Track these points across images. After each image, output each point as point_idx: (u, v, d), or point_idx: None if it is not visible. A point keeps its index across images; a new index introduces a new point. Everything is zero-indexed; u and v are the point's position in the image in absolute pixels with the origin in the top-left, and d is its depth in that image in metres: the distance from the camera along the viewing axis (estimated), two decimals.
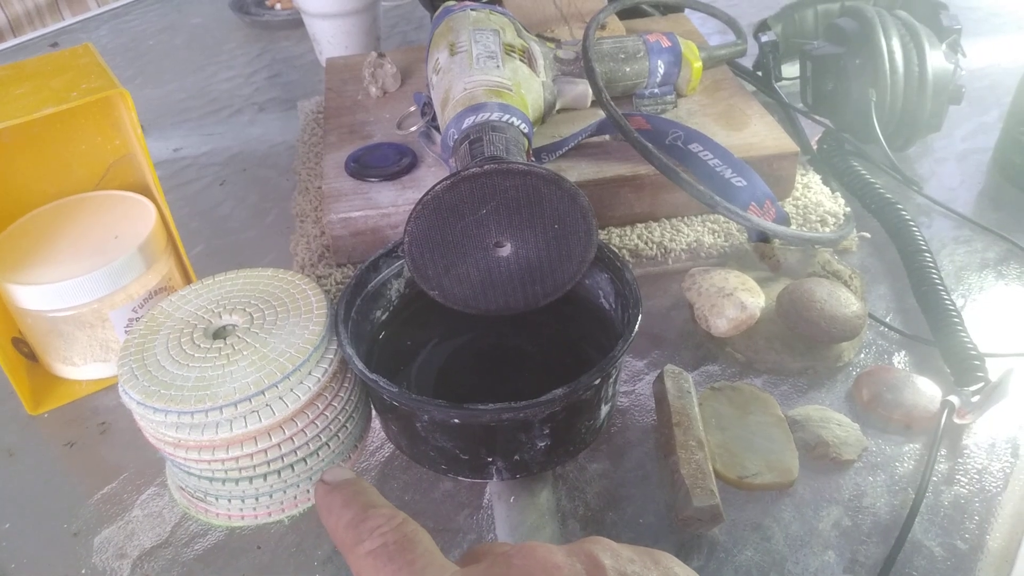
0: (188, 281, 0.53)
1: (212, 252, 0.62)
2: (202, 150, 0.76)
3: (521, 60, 0.56)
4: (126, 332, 0.49)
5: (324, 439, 0.41)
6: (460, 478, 0.43)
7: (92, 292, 0.47)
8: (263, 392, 0.38)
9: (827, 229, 0.57)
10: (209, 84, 0.88)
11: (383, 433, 0.45)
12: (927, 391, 0.45)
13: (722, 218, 0.58)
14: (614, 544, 0.25)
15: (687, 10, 0.77)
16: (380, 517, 0.24)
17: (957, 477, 0.42)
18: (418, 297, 0.47)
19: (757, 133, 0.60)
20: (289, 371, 0.39)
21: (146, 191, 0.53)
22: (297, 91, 0.84)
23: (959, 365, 0.46)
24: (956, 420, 0.44)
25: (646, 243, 0.57)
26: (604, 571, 0.23)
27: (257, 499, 0.41)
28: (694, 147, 0.56)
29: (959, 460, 0.43)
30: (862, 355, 0.49)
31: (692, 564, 0.39)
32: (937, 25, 0.64)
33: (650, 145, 0.52)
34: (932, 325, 0.49)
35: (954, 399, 0.44)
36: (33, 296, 0.47)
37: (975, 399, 0.44)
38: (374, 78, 0.68)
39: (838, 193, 0.60)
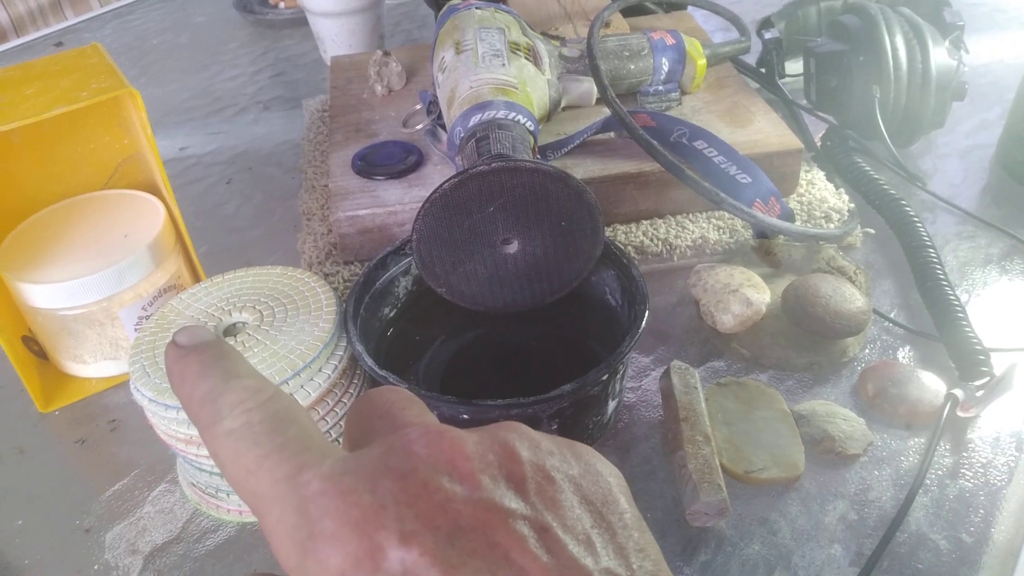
0: (197, 279, 0.54)
1: (218, 251, 0.62)
2: (207, 149, 0.76)
3: (526, 58, 0.56)
4: (136, 330, 0.49)
5: (334, 435, 0.41)
6: None
7: (101, 290, 0.47)
8: None
9: (831, 225, 0.58)
10: (213, 83, 0.88)
11: None
12: (932, 386, 0.46)
13: (727, 215, 0.58)
14: (532, 432, 0.21)
15: (690, 7, 0.78)
16: (244, 390, 0.20)
17: (962, 471, 0.42)
18: (426, 294, 0.47)
19: (761, 130, 0.60)
20: (299, 368, 0.39)
21: (154, 190, 0.53)
22: (301, 90, 0.85)
23: (964, 360, 0.46)
24: (959, 413, 0.44)
25: (651, 240, 0.57)
26: (520, 465, 0.19)
27: None
28: (699, 144, 0.57)
29: (964, 454, 0.43)
30: (867, 350, 0.49)
31: (699, 557, 0.39)
32: (940, 22, 0.64)
33: (655, 142, 0.53)
34: (936, 320, 0.49)
35: (958, 392, 0.44)
36: (43, 295, 0.47)
37: (979, 393, 0.45)
38: (379, 76, 0.68)
39: (842, 189, 0.60)
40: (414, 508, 0.18)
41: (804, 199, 0.60)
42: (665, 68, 0.63)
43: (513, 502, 0.18)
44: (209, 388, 0.20)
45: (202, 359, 0.21)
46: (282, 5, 1.02)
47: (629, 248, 0.57)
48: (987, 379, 0.45)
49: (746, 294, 0.48)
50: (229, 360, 0.21)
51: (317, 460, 0.19)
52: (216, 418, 0.20)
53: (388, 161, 0.59)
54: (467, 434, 0.20)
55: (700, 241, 0.57)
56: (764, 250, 0.55)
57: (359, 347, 0.41)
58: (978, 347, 0.46)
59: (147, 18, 1.06)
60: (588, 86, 0.61)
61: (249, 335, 0.41)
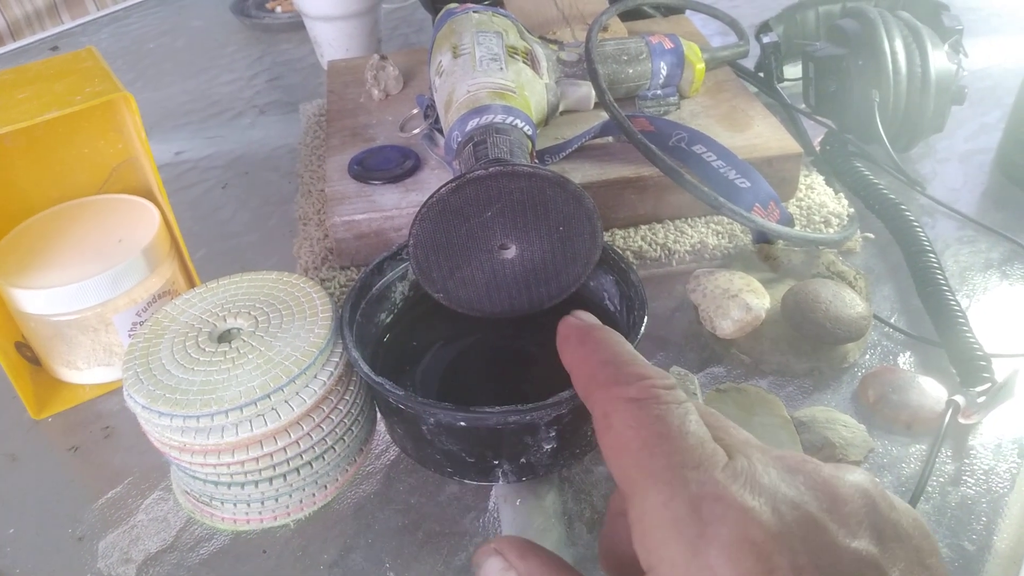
0: (192, 285, 0.53)
1: (214, 256, 0.62)
2: (204, 153, 0.76)
3: (524, 62, 0.56)
4: (130, 336, 0.49)
5: (329, 443, 0.41)
6: (466, 481, 0.43)
7: (95, 296, 0.47)
8: (268, 396, 0.38)
9: (831, 230, 0.57)
10: (210, 87, 0.88)
11: (388, 436, 0.45)
12: (932, 392, 0.45)
13: (726, 219, 0.58)
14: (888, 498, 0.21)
15: (688, 11, 0.77)
16: (650, 368, 0.20)
17: (963, 478, 0.42)
18: (422, 300, 0.47)
19: (760, 134, 0.59)
20: (295, 374, 0.39)
21: (149, 195, 0.53)
22: (298, 94, 0.84)
23: (965, 366, 0.46)
24: (961, 420, 0.44)
25: (650, 245, 0.57)
26: (884, 522, 0.20)
27: (263, 503, 0.41)
28: (698, 148, 0.56)
29: (965, 461, 0.43)
30: (867, 356, 0.49)
31: None
32: (939, 25, 0.64)
33: (654, 147, 0.52)
34: (937, 326, 0.49)
35: (959, 399, 0.44)
36: (36, 300, 0.46)
37: (981, 400, 0.44)
38: (376, 80, 0.68)
39: (841, 194, 0.60)
40: (807, 543, 0.18)
41: (803, 203, 0.59)
42: (663, 72, 0.62)
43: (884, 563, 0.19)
44: (612, 354, 0.21)
45: (609, 334, 0.22)
46: (279, 9, 1.02)
47: (627, 253, 0.56)
48: (989, 385, 0.45)
49: (745, 299, 0.48)
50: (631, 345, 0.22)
51: (714, 462, 0.19)
52: (616, 381, 0.20)
53: (385, 165, 0.59)
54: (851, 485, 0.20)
55: (699, 246, 0.56)
56: (763, 255, 0.54)
57: (355, 353, 0.40)
58: (979, 353, 0.46)
59: (144, 22, 1.06)
60: (586, 90, 0.61)
61: (244, 341, 0.41)
